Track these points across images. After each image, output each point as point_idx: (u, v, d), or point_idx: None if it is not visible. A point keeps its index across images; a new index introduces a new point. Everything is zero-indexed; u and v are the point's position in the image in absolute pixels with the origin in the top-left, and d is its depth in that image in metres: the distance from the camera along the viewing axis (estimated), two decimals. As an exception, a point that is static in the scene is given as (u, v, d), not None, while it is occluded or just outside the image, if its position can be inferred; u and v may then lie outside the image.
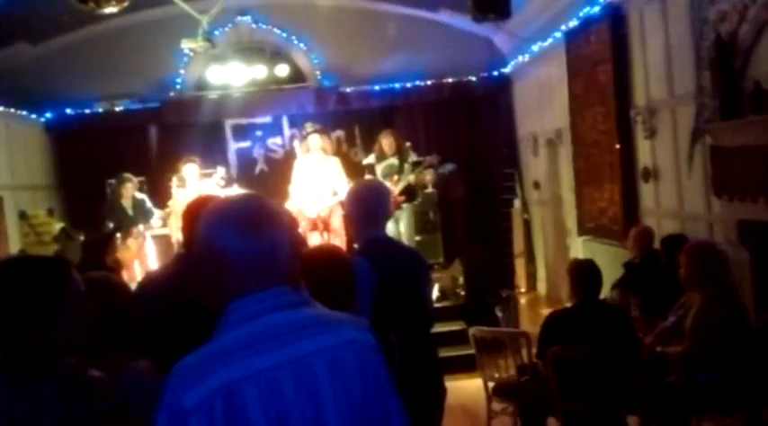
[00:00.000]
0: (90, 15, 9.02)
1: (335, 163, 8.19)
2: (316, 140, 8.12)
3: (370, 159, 8.45)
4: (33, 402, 1.73)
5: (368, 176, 8.26)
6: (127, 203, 8.57)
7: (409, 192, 8.21)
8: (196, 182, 8.10)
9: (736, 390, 4.00)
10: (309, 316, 1.56)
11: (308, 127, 8.55)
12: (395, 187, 7.99)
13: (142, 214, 8.47)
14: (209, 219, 1.56)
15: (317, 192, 7.90)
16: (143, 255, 8.04)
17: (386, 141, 8.34)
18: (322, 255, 2.49)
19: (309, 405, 1.47)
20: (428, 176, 8.98)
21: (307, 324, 1.53)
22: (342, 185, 7.82)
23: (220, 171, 8.58)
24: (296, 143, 9.99)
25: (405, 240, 8.10)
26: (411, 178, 8.09)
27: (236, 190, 8.48)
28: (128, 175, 8.71)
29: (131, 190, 8.73)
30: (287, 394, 1.45)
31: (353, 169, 8.95)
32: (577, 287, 4.29)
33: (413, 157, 8.29)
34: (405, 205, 8.20)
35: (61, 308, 1.82)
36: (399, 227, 8.19)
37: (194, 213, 2.83)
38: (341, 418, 1.49)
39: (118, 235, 7.13)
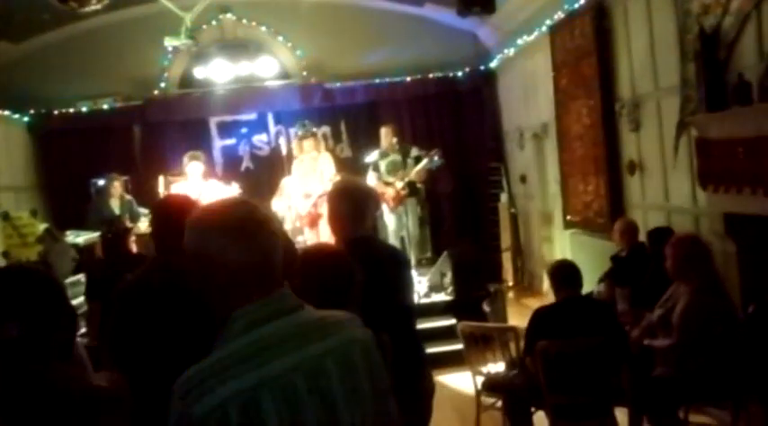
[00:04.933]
0: (72, 14, 8.94)
1: (326, 158, 8.55)
2: (308, 145, 8.54)
3: (374, 156, 8.43)
4: (36, 409, 1.75)
5: (371, 173, 8.28)
6: (115, 203, 8.52)
7: (411, 187, 8.25)
8: (199, 181, 7.96)
9: (723, 382, 4.02)
10: (312, 319, 1.58)
11: (305, 128, 8.80)
12: (399, 183, 8.13)
13: (129, 215, 8.43)
14: (204, 227, 1.53)
15: (308, 189, 8.17)
16: None
17: (384, 137, 8.42)
18: (322, 255, 2.48)
19: (323, 406, 1.48)
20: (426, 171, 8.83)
21: (312, 327, 1.55)
22: (327, 174, 8.19)
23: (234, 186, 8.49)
24: (281, 140, 10.01)
25: (411, 234, 8.21)
26: (412, 174, 8.12)
27: (235, 190, 8.46)
28: (115, 175, 8.68)
29: (119, 189, 8.67)
30: (301, 398, 1.46)
31: (339, 165, 8.92)
32: (559, 284, 4.34)
33: (414, 152, 8.30)
34: (408, 200, 8.25)
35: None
36: (404, 221, 8.24)
37: (169, 214, 2.79)
38: (352, 415, 1.51)
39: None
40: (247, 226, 1.52)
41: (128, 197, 8.70)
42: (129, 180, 9.59)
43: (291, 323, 1.52)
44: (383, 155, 8.33)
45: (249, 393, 1.41)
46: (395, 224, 8.26)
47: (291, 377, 1.46)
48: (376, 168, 8.31)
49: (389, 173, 8.18)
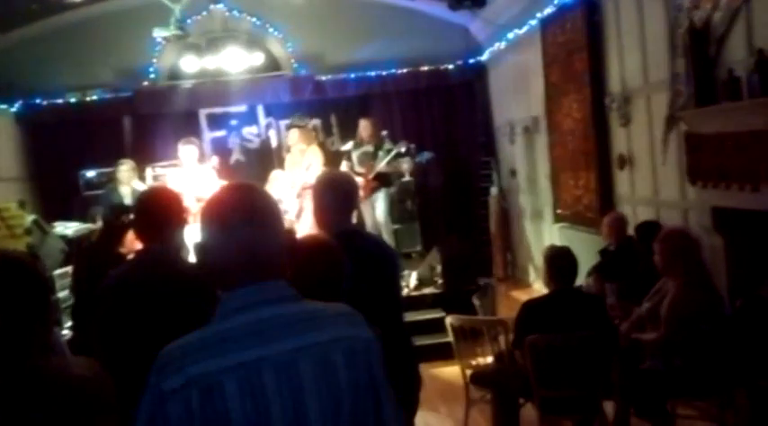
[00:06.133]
0: (60, 4, 8.89)
1: (314, 151, 8.51)
2: (292, 136, 8.54)
3: (348, 146, 8.59)
4: (23, 402, 1.70)
5: (344, 162, 8.39)
6: (126, 191, 8.16)
7: (382, 179, 8.32)
8: (194, 165, 7.84)
9: (710, 375, 4.04)
10: (299, 312, 1.55)
11: (294, 119, 8.86)
12: (369, 173, 8.20)
13: None
14: (201, 215, 1.60)
15: (293, 181, 8.24)
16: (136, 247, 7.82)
17: (363, 129, 8.52)
18: (314, 246, 2.47)
19: (291, 402, 1.45)
20: (404, 165, 9.03)
21: (295, 320, 1.52)
22: (313, 167, 8.14)
23: (214, 159, 8.48)
24: (272, 132, 9.99)
25: (382, 226, 8.28)
26: (381, 166, 8.19)
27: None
28: (123, 160, 8.36)
29: (126, 175, 8.31)
30: (268, 390, 1.44)
31: (330, 158, 8.92)
32: (553, 274, 4.28)
33: (388, 145, 8.42)
34: (380, 190, 8.31)
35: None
36: (375, 213, 8.34)
37: (151, 207, 2.78)
38: (323, 416, 1.48)
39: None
40: (235, 217, 1.53)
41: (141, 185, 8.39)
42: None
43: (273, 313, 1.51)
44: (357, 146, 8.47)
45: (214, 377, 1.42)
46: (365, 215, 8.33)
47: (260, 369, 1.44)
48: (349, 158, 8.43)
49: (360, 163, 8.30)
